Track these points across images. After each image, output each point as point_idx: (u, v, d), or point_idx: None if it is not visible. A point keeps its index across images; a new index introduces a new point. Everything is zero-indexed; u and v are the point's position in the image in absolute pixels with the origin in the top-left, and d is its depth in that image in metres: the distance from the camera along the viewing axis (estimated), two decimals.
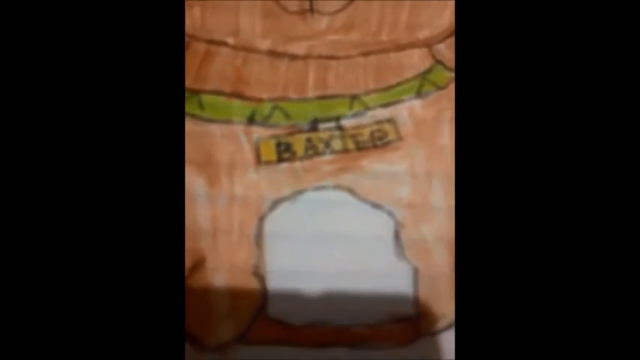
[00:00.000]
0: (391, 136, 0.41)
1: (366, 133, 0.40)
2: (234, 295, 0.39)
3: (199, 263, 0.39)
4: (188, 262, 0.39)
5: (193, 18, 0.41)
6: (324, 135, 0.40)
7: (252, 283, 0.39)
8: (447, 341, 0.39)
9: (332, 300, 0.39)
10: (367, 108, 0.41)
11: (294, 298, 0.39)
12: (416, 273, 0.40)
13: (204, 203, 0.40)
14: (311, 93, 0.41)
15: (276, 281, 0.39)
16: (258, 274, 0.39)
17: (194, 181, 0.40)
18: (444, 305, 0.39)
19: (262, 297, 0.39)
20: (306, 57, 0.41)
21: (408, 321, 0.39)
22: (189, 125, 0.40)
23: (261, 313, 0.39)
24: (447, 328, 0.39)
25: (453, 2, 0.41)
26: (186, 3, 0.40)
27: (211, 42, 0.41)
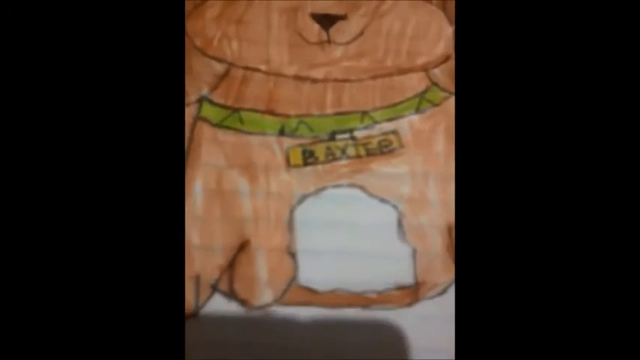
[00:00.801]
0: (395, 145, 0.43)
1: (374, 142, 0.43)
2: (272, 268, 0.41)
3: (245, 244, 0.41)
4: (236, 243, 0.41)
5: (232, 49, 0.44)
6: (341, 144, 0.43)
7: (286, 259, 0.41)
8: (439, 304, 0.41)
9: (348, 272, 0.41)
10: (375, 122, 0.43)
11: (318, 271, 0.41)
12: (414, 253, 0.42)
13: (247, 197, 0.42)
14: (329, 110, 0.43)
15: (305, 258, 0.41)
16: (291, 252, 0.41)
17: (238, 180, 0.42)
18: (437, 277, 0.41)
19: (294, 270, 0.41)
20: (324, 80, 0.44)
21: (409, 288, 0.41)
22: (233, 137, 0.43)
23: (293, 282, 0.41)
24: (439, 294, 0.41)
25: (447, 34, 0.44)
26: (226, 37, 0.43)
27: (247, 69, 0.44)
